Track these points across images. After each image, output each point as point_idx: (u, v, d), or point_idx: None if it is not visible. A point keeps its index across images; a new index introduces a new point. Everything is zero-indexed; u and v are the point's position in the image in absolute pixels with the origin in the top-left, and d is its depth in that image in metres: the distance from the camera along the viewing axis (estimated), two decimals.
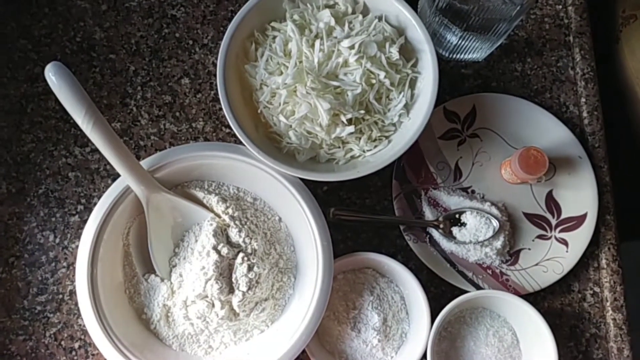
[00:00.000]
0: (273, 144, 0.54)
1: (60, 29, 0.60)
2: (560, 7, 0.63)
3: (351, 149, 0.54)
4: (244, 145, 0.51)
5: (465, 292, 0.54)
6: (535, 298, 0.56)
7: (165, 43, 0.60)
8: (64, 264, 0.55)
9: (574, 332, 0.56)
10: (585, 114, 0.60)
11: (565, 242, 0.56)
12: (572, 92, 0.61)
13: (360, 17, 0.55)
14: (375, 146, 0.53)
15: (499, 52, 0.62)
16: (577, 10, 0.63)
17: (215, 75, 0.59)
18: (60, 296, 0.55)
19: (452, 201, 0.56)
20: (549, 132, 0.58)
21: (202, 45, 0.61)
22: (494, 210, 0.55)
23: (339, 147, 0.54)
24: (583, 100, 0.61)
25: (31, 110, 0.58)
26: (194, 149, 0.52)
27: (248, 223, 0.52)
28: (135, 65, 0.60)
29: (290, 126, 0.53)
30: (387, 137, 0.54)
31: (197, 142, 0.57)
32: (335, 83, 0.52)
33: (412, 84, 0.54)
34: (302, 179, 0.52)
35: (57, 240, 0.56)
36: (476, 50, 0.59)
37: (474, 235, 0.55)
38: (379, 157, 0.53)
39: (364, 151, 0.53)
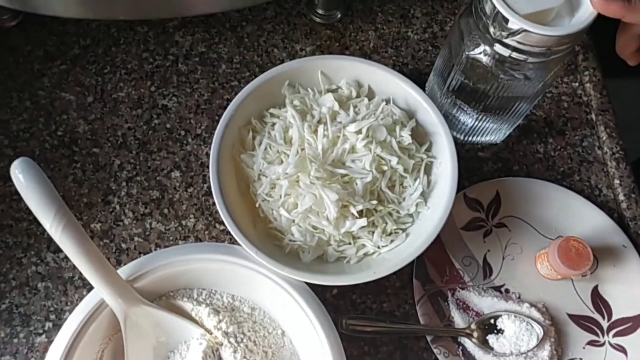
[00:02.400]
0: (273, 242, 0.47)
1: (42, 122, 0.55)
2: (577, 84, 0.59)
3: (364, 245, 0.47)
4: (239, 245, 0.44)
5: None
6: None
7: (155, 134, 0.56)
8: None
9: None
10: (621, 197, 0.54)
11: (623, 350, 0.47)
12: (602, 173, 0.56)
13: (366, 100, 0.51)
14: (392, 241, 0.47)
15: (517, 133, 0.57)
16: (595, 88, 0.59)
17: (208, 167, 0.54)
18: None
19: (485, 303, 0.48)
20: (583, 218, 0.52)
21: (195, 135, 0.56)
22: (535, 313, 0.47)
23: (350, 244, 0.47)
24: (617, 182, 0.55)
25: (1, 212, 0.52)
26: (181, 252, 0.45)
27: (245, 340, 0.44)
28: (120, 159, 0.54)
29: (293, 221, 0.46)
30: (404, 230, 0.47)
31: (185, 244, 0.50)
32: (342, 171, 0.46)
33: (428, 170, 0.49)
34: (308, 284, 0.44)
35: None
36: (494, 132, 0.54)
37: (515, 344, 0.46)
38: (396, 254, 0.45)
39: (378, 247, 0.46)
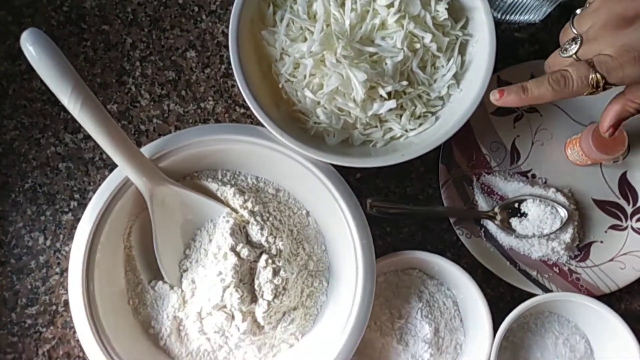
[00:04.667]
0: (297, 124, 0.45)
1: None
2: None
3: (391, 129, 0.45)
4: (263, 126, 0.42)
5: (528, 294, 0.46)
6: (609, 299, 0.47)
7: (167, 11, 0.52)
8: (57, 269, 0.47)
9: None
10: None
11: None
12: None
13: None
14: (420, 124, 0.45)
15: (558, 13, 0.52)
16: None
17: (226, 47, 0.51)
18: (54, 307, 0.47)
19: (510, 188, 0.48)
20: None
21: (209, 12, 0.52)
22: (560, 197, 0.47)
23: (377, 127, 0.45)
24: None
25: (13, 92, 0.50)
26: (205, 133, 0.43)
27: (271, 219, 0.44)
28: (132, 37, 0.51)
29: (318, 103, 0.44)
30: (433, 114, 0.45)
31: (208, 124, 0.48)
32: (371, 49, 0.43)
33: (462, 50, 0.46)
34: (333, 166, 0.43)
35: (48, 243, 0.48)
36: (533, 10, 0.50)
37: (538, 227, 0.46)
38: (424, 138, 0.44)
39: (406, 131, 0.45)
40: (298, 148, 0.42)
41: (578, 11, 0.40)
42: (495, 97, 0.39)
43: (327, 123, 0.44)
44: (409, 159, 0.42)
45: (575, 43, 0.38)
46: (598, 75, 0.36)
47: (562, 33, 0.41)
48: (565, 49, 0.39)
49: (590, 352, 0.46)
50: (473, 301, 0.44)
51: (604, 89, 0.37)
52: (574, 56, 0.38)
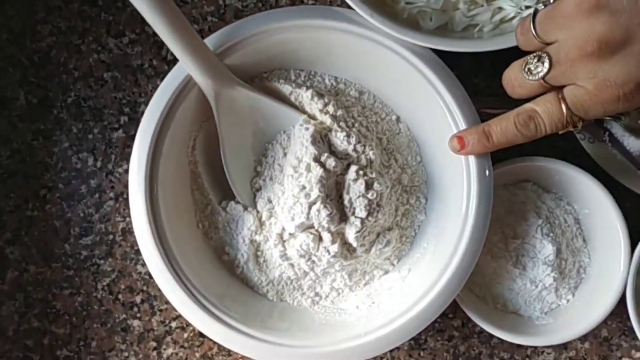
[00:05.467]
0: (385, 8, 0.37)
1: None
2: None
3: (501, 8, 0.37)
4: (345, 6, 0.35)
5: None
6: None
7: None
8: (111, 194, 0.42)
9: None
10: None
11: None
12: None
13: None
14: (538, 2, 0.36)
15: None
16: None
17: None
18: (111, 237, 0.42)
19: None
20: None
21: None
22: None
23: (483, 6, 0.37)
24: None
25: None
26: (275, 18, 0.36)
27: (357, 125, 0.37)
28: None
29: None
30: None
31: (280, 8, 0.40)
32: None
33: None
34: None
35: (99, 164, 0.42)
36: None
37: None
38: None
39: (521, 9, 0.36)
40: (390, 30, 0.34)
41: (540, 6, 0.31)
42: (454, 147, 0.33)
43: (423, 2, 0.36)
44: None
45: (542, 63, 0.30)
46: (575, 117, 0.30)
47: (520, 30, 0.32)
48: (529, 70, 0.31)
49: None
50: (603, 216, 0.37)
51: (584, 126, 0.32)
52: (541, 81, 0.31)
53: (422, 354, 0.40)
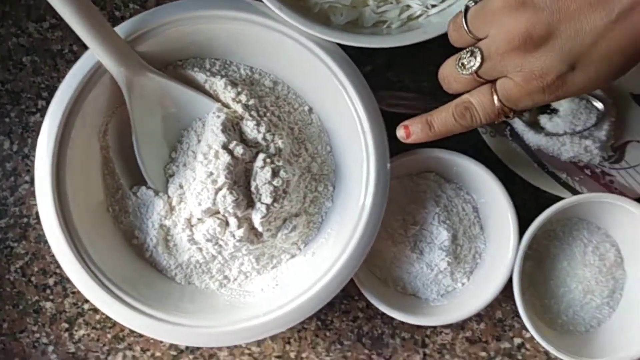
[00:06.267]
0: (297, 2, 0.39)
1: None
2: None
3: (409, 6, 0.39)
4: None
5: (557, 198, 0.41)
6: None
7: None
8: (26, 178, 0.42)
9: None
10: None
11: None
12: None
13: None
14: (443, 1, 0.39)
15: None
16: None
17: None
18: (25, 219, 0.42)
19: None
20: None
21: None
22: (597, 90, 0.41)
23: (392, 3, 0.39)
24: None
25: None
26: (189, 8, 0.37)
27: (268, 114, 0.38)
28: None
29: None
30: None
31: None
32: None
33: None
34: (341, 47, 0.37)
35: (15, 148, 0.42)
36: None
37: (570, 123, 0.41)
38: (448, 16, 0.38)
39: (427, 8, 0.38)
40: (299, 24, 0.36)
41: (471, 3, 0.33)
42: (401, 135, 0.36)
43: None
44: (432, 36, 0.36)
45: (475, 58, 0.32)
46: (506, 108, 0.32)
47: (452, 27, 0.34)
48: (463, 65, 0.33)
49: (620, 260, 0.42)
50: (497, 205, 0.39)
51: (516, 115, 0.34)
52: (474, 75, 0.32)
53: (327, 334, 0.42)
